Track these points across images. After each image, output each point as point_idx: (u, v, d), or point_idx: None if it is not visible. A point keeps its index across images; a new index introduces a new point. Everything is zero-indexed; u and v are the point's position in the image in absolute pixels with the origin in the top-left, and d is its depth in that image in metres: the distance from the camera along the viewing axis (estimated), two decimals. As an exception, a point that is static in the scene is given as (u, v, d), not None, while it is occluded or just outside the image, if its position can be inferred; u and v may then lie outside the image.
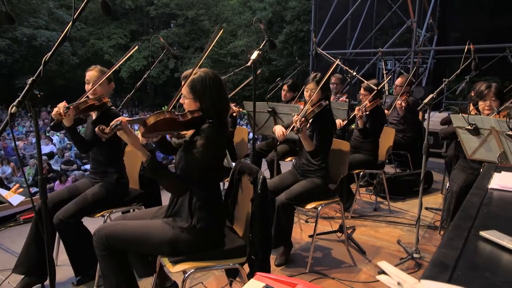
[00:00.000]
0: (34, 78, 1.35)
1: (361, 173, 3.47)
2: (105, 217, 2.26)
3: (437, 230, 3.11)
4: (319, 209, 2.47)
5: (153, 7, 21.73)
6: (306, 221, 3.26)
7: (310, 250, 2.48)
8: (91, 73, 2.34)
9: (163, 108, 3.09)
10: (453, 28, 8.39)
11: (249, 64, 2.06)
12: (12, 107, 1.31)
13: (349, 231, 2.94)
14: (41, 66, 1.39)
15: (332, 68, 2.76)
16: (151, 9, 21.81)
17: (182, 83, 1.78)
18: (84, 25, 21.10)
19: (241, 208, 1.92)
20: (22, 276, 2.15)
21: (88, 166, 9.03)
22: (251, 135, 4.66)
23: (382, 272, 2.41)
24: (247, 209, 1.81)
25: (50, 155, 9.90)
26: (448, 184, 2.92)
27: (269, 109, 3.26)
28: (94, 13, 20.69)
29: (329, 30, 8.54)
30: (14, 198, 1.80)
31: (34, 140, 11.37)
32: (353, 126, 3.67)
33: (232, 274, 2.03)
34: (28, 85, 1.32)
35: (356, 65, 8.35)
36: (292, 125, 2.55)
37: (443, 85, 2.62)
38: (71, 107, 2.15)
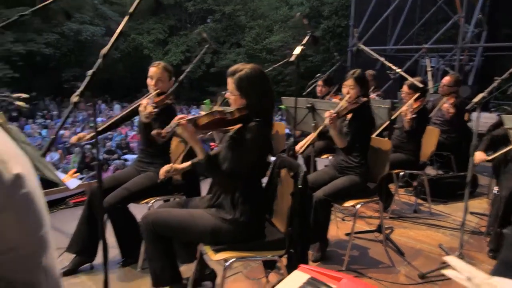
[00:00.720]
0: (94, 70, 1.43)
1: (401, 173, 3.38)
2: (149, 204, 2.36)
3: (481, 235, 2.97)
4: (357, 207, 2.44)
5: (192, 2, 22.14)
6: (343, 219, 3.23)
7: (347, 248, 2.46)
8: (154, 70, 2.44)
9: (204, 102, 3.18)
10: (504, 24, 7.89)
11: (292, 59, 2.07)
12: (74, 97, 1.41)
13: (387, 232, 2.88)
14: (100, 59, 1.47)
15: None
16: (189, 5, 22.24)
17: (228, 79, 1.82)
18: (126, 20, 21.87)
19: (280, 202, 1.94)
20: (74, 255, 2.30)
21: (127, 156, 9.43)
22: (286, 130, 4.64)
23: (424, 275, 2.34)
24: (286, 203, 1.83)
25: (93, 144, 10.40)
26: (496, 189, 2.78)
27: (308, 105, 3.25)
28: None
29: (369, 26, 8.33)
30: (71, 182, 1.94)
31: (78, 129, 12.01)
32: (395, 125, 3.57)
33: (270, 265, 2.07)
34: (89, 77, 1.41)
35: (396, 62, 8.09)
36: (311, 139, 2.55)
37: (495, 83, 2.48)
38: (152, 104, 2.28)
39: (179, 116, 1.70)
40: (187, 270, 2.24)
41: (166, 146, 2.50)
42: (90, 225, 2.31)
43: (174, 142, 2.67)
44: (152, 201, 2.38)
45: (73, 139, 2.39)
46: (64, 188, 2.07)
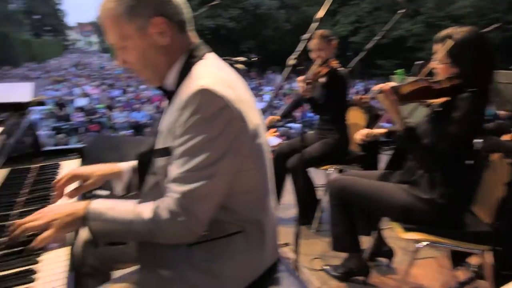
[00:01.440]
0: (309, 35, 1.49)
1: None
2: (328, 171, 2.42)
3: None
4: None
5: (366, -31, 20.91)
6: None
7: None
8: (312, 42, 2.45)
9: (396, 72, 2.98)
10: None
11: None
12: (290, 59, 1.51)
13: None
14: (316, 23, 1.51)
15: None
16: (364, -29, 21.07)
17: (437, 46, 1.63)
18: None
19: (487, 190, 1.68)
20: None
21: (292, 124, 10.05)
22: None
23: None
24: (495, 192, 1.57)
25: (263, 110, 11.44)
26: None
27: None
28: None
29: None
30: (272, 139, 2.15)
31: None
32: None
33: (459, 259, 1.85)
34: (306, 40, 1.48)
35: None
36: None
37: None
38: (308, 80, 2.35)
39: (381, 84, 1.63)
40: (363, 243, 2.22)
41: (342, 113, 2.51)
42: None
43: (352, 110, 2.63)
44: (331, 169, 2.43)
45: (267, 122, 2.63)
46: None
